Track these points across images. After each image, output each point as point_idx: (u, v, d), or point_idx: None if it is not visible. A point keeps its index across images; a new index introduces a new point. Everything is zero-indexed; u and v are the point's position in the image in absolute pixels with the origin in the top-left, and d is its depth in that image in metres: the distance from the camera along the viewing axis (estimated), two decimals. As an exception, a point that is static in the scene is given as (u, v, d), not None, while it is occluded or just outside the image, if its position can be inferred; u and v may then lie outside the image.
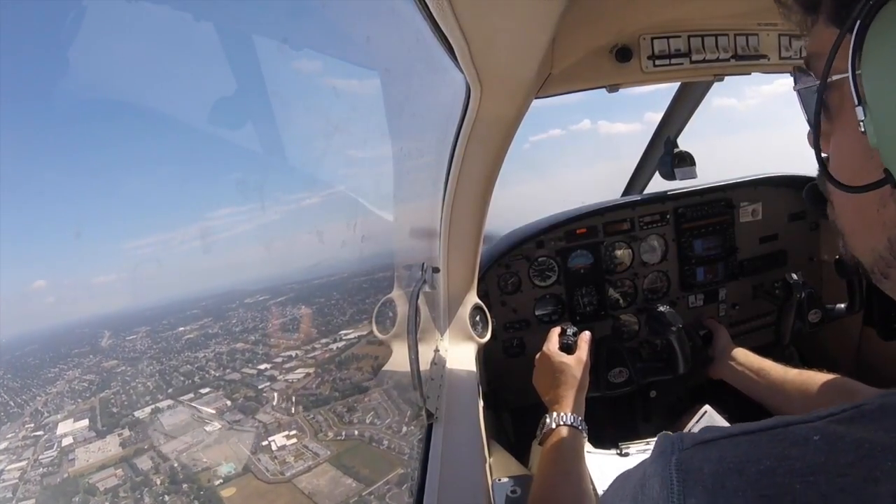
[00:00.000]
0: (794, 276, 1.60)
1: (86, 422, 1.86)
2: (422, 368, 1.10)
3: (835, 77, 0.42)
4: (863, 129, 0.39)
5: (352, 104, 1.09)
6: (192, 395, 2.19)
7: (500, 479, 1.14)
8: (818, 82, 0.44)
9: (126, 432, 1.88)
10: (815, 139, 0.46)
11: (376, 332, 1.46)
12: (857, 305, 1.66)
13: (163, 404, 2.09)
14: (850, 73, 0.40)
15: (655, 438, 0.43)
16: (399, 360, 1.36)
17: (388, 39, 1.00)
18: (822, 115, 0.46)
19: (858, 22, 0.39)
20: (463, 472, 1.01)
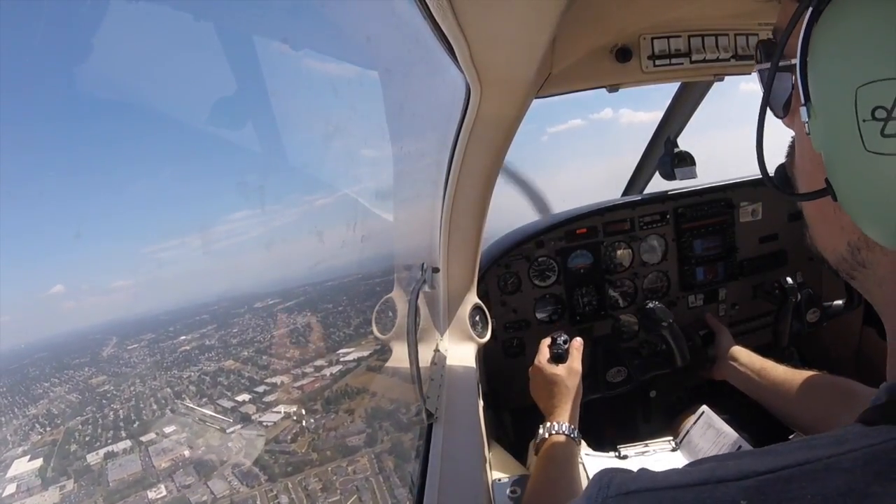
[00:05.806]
0: (790, 280, 1.60)
1: (39, 462, 1.71)
2: (422, 368, 1.10)
3: (790, 62, 0.37)
4: (807, 131, 0.35)
5: (352, 104, 1.09)
6: (153, 436, 1.98)
7: (499, 479, 1.14)
8: (768, 65, 0.39)
9: (69, 486, 1.70)
10: (759, 130, 0.41)
11: (376, 333, 1.45)
12: (856, 302, 1.67)
13: (118, 447, 1.88)
14: (797, 60, 0.35)
15: (654, 441, 0.43)
16: (398, 360, 1.36)
17: (388, 39, 1.00)
18: (786, 98, 0.41)
19: None
20: (463, 472, 1.01)
